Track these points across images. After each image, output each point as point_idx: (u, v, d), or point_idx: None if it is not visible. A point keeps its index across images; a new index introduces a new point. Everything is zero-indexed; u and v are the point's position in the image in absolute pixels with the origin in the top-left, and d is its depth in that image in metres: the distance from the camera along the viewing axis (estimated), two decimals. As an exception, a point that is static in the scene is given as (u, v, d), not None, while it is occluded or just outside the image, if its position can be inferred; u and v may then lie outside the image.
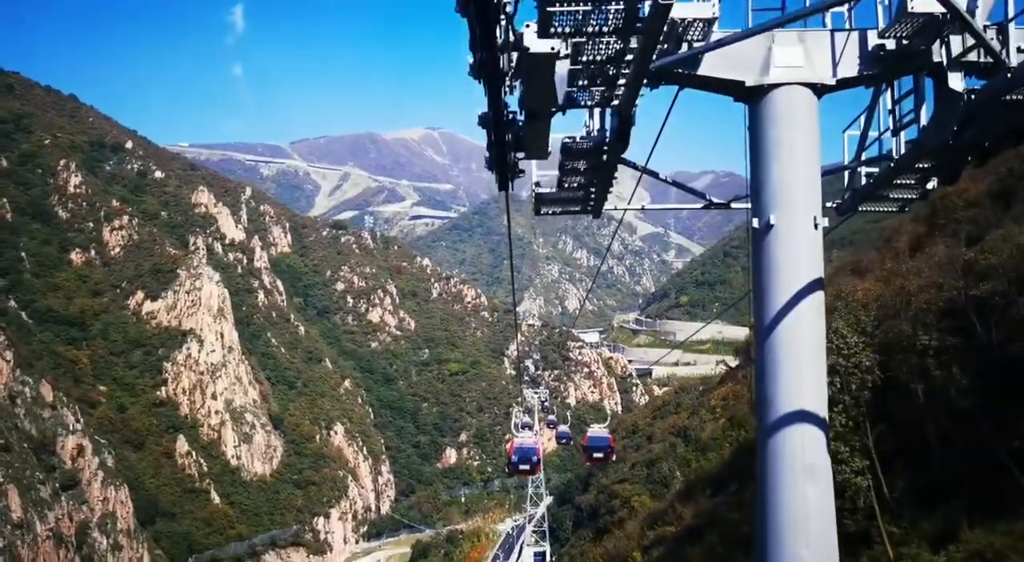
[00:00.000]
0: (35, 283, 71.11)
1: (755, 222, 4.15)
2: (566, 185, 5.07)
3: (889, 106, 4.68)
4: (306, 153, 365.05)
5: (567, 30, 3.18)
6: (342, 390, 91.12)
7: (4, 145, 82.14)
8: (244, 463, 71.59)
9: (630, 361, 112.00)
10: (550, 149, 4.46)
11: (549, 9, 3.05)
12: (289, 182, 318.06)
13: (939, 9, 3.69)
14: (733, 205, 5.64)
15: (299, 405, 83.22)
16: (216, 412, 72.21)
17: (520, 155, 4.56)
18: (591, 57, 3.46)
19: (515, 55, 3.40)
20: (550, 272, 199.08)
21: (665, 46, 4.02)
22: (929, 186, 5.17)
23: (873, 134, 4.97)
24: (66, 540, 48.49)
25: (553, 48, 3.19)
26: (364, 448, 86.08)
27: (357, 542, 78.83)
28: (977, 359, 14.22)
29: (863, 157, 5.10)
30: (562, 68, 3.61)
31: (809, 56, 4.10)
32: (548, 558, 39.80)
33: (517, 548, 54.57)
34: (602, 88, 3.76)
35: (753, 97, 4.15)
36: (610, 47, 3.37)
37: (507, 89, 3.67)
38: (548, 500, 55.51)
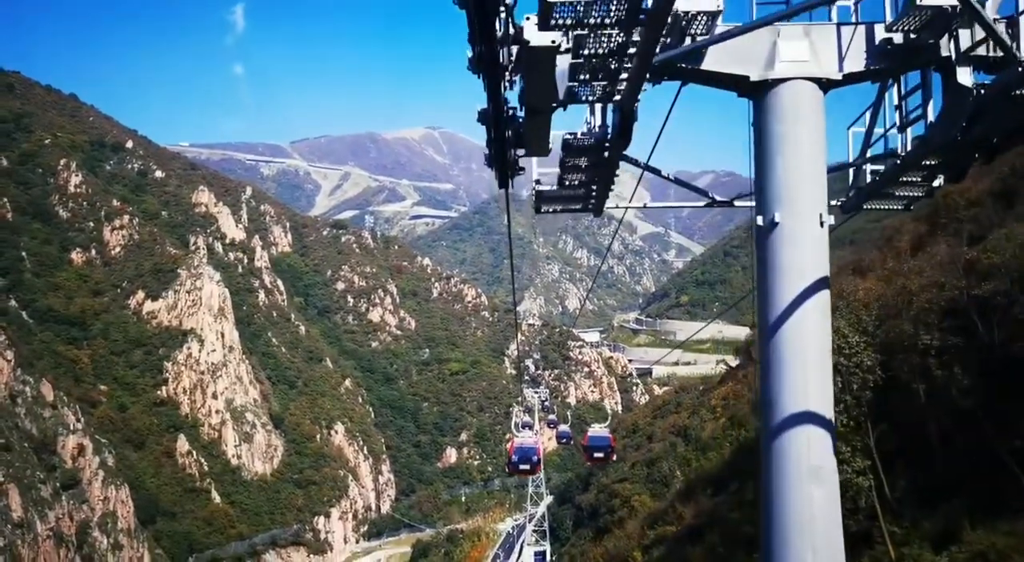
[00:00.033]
0: (36, 283, 71.11)
1: (759, 220, 4.08)
2: (567, 183, 4.99)
3: (896, 102, 4.60)
4: (306, 153, 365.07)
5: (568, 22, 3.11)
6: (343, 390, 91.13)
7: (4, 144, 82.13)
8: (245, 462, 71.60)
9: (630, 361, 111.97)
10: (551, 146, 4.38)
11: (550, 0, 2.98)
12: (289, 182, 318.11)
13: (948, 2, 3.62)
14: (736, 203, 5.57)
15: (300, 405, 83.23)
16: (217, 411, 72.22)
17: (520, 152, 4.48)
18: (593, 50, 3.38)
19: (515, 49, 3.33)
20: (550, 272, 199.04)
21: (668, 40, 3.95)
22: (935, 183, 5.09)
23: (878, 131, 4.89)
24: (66, 539, 48.49)
25: (554, 41, 3.11)
26: (364, 447, 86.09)
27: (357, 541, 78.84)
28: (979, 359, 14.16)
29: (868, 154, 5.03)
30: (563, 63, 3.55)
31: (815, 50, 4.02)
32: (548, 557, 39.76)
33: (517, 547, 54.56)
34: (604, 83, 3.68)
35: (758, 92, 4.08)
36: (612, 40, 3.30)
37: (507, 84, 3.59)
38: (548, 499, 55.49)
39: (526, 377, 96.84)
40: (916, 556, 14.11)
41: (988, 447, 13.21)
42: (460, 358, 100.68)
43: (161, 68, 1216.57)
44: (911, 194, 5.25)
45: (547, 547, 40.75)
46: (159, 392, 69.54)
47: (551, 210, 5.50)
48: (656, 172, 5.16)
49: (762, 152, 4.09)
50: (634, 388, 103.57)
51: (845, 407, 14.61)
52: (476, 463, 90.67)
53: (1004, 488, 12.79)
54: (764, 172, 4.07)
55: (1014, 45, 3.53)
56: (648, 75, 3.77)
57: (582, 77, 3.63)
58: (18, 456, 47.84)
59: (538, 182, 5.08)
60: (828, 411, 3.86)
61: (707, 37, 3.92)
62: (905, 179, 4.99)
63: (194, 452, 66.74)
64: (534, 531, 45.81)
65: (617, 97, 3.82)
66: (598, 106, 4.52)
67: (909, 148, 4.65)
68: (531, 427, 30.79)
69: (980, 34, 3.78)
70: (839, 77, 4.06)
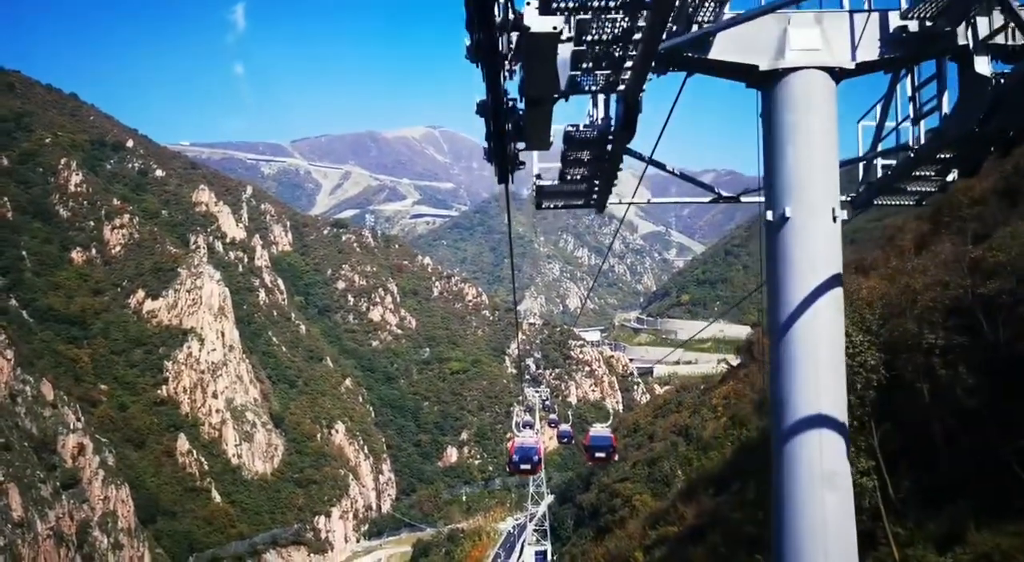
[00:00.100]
0: (36, 282, 71.09)
1: (769, 214, 3.93)
2: (568, 177, 4.84)
3: (909, 93, 4.44)
4: (307, 152, 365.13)
5: (571, 5, 2.97)
6: (343, 389, 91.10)
7: (5, 144, 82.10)
8: (245, 462, 71.57)
9: (631, 360, 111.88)
10: (552, 139, 4.24)
11: None
12: (290, 181, 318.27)
13: None
14: (743, 199, 5.42)
15: (300, 404, 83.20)
16: (217, 411, 72.19)
17: (521, 146, 4.34)
18: (596, 36, 3.24)
19: (515, 36, 3.19)
20: (551, 271, 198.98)
21: (674, 28, 3.81)
22: (949, 178, 4.94)
23: (889, 125, 4.74)
24: (67, 539, 48.46)
25: (555, 27, 2.96)
26: (365, 447, 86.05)
27: (358, 541, 78.83)
28: (984, 358, 14.02)
29: (879, 148, 4.88)
30: (565, 51, 3.41)
31: (827, 38, 3.87)
32: (549, 557, 39.67)
33: (518, 547, 54.49)
34: (607, 71, 3.53)
35: (767, 82, 3.93)
36: (616, 25, 3.16)
37: (507, 74, 3.44)
38: (549, 499, 55.40)
39: (527, 376, 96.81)
40: (920, 557, 13.97)
41: (993, 447, 13.07)
42: (461, 357, 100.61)
43: (161, 67, 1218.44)
44: (924, 189, 5.09)
45: (548, 547, 40.66)
46: (159, 391, 69.50)
47: (552, 206, 5.35)
48: (661, 167, 5.01)
49: (772, 145, 3.94)
50: (635, 387, 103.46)
51: (848, 407, 14.42)
52: (477, 462, 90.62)
53: (1010, 489, 12.65)
54: (774, 165, 3.92)
55: (1036, 32, 3.38)
56: (653, 64, 3.63)
57: (585, 65, 3.49)
58: (18, 455, 47.80)
59: (539, 177, 4.93)
60: (841, 413, 3.72)
61: (714, 24, 3.77)
62: (918, 173, 4.84)
63: (194, 451, 66.70)
64: (535, 530, 45.72)
65: (621, 87, 3.67)
66: (601, 98, 4.38)
67: (923, 141, 4.51)
68: (532, 426, 30.72)
69: (999, 21, 3.64)
70: (852, 66, 3.91)
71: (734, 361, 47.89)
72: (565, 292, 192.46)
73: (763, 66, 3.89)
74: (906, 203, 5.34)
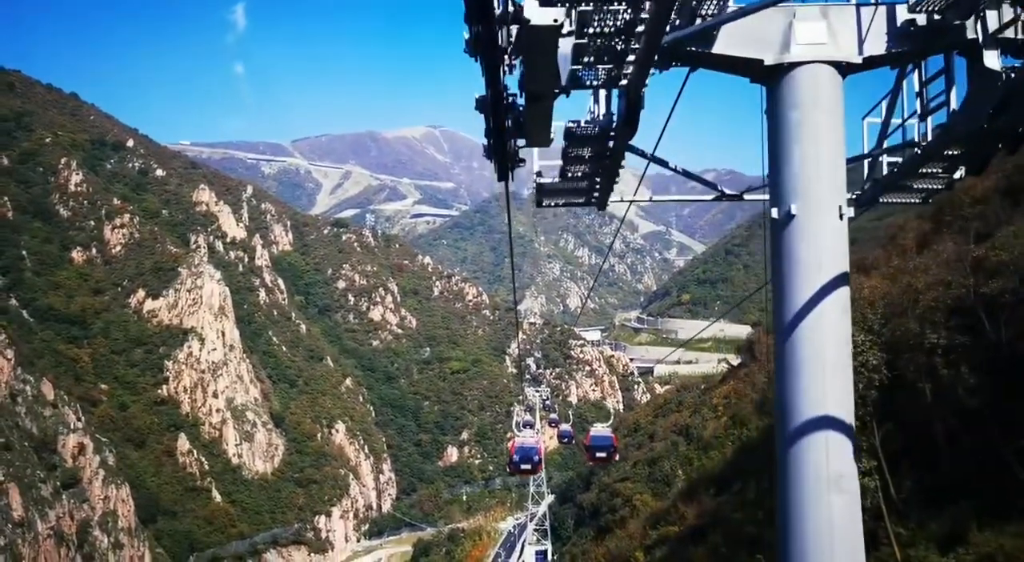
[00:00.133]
0: (36, 281, 71.08)
1: (774, 212, 3.85)
2: (569, 175, 4.76)
3: (916, 88, 4.36)
4: (307, 151, 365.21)
5: None
6: (343, 388, 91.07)
7: (5, 143, 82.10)
8: (245, 461, 71.55)
9: (632, 359, 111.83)
10: (552, 136, 4.17)
11: None
12: (290, 180, 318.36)
13: None
14: (746, 196, 5.34)
15: (300, 403, 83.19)
16: (217, 410, 72.17)
17: (521, 143, 4.27)
18: (598, 29, 3.17)
19: (515, 29, 3.12)
20: (551, 270, 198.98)
21: (678, 22, 3.74)
22: (956, 175, 4.86)
23: (895, 122, 4.66)
24: (67, 539, 48.45)
25: (556, 19, 2.89)
26: (365, 446, 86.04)
27: (359, 540, 78.83)
28: (986, 358, 13.96)
29: (884, 145, 4.80)
30: (566, 46, 3.34)
31: (833, 32, 3.79)
32: (550, 557, 39.61)
33: (519, 546, 54.47)
34: (609, 66, 3.46)
35: (772, 77, 3.85)
36: (619, 17, 3.09)
37: (506, 68, 3.36)
38: (550, 498, 55.35)
39: (527, 376, 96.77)
40: (922, 558, 13.91)
41: (995, 447, 13.01)
42: (461, 357, 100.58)
43: (162, 67, 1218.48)
44: (930, 187, 5.01)
45: (548, 546, 40.60)
46: (160, 391, 69.49)
47: (553, 203, 5.27)
48: (663, 164, 4.93)
49: (777, 141, 3.86)
50: (635, 387, 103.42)
51: (851, 407, 14.35)
52: (477, 462, 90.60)
53: (1012, 489, 12.58)
54: (779, 162, 3.84)
55: (1048, 25, 3.30)
56: (656, 59, 3.55)
57: (586, 59, 3.41)
58: (18, 455, 47.79)
59: (539, 174, 4.85)
60: (848, 414, 3.64)
61: (718, 17, 3.69)
62: (925, 171, 4.76)
63: (195, 451, 66.69)
64: (535, 530, 45.65)
65: (623, 82, 3.59)
66: (602, 94, 4.30)
67: (930, 138, 4.43)
68: (532, 426, 30.65)
69: (1009, 14, 3.56)
70: (859, 61, 3.83)
71: (734, 361, 47.84)
72: (565, 292, 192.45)
73: (768, 60, 3.81)
74: (912, 201, 5.26)
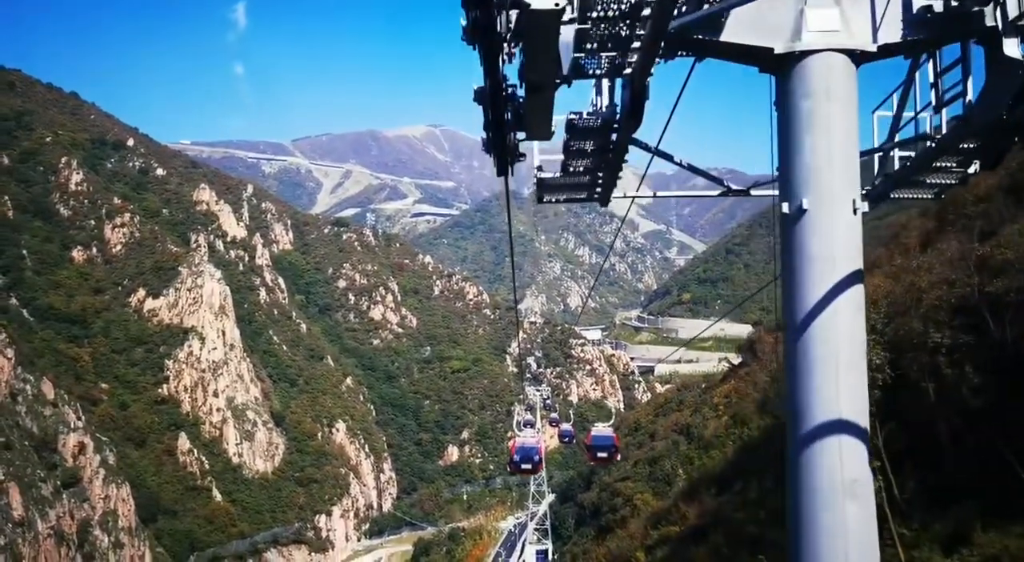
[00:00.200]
0: (36, 281, 71.04)
1: (785, 207, 3.70)
2: (571, 169, 4.62)
3: (931, 79, 4.21)
4: (308, 150, 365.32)
5: None
6: (344, 388, 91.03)
7: (6, 143, 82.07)
8: (246, 461, 71.52)
9: (632, 358, 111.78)
10: (554, 129, 4.03)
11: None
12: (291, 179, 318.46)
13: None
14: (753, 192, 5.20)
15: (301, 403, 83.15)
16: (218, 410, 72.13)
17: (521, 136, 4.13)
18: (602, 13, 3.04)
19: (515, 15, 2.98)
20: (552, 269, 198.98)
21: (684, 7, 3.60)
22: (971, 169, 4.72)
23: (907, 115, 4.51)
24: (67, 538, 48.41)
25: (557, 4, 2.76)
26: (366, 446, 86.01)
27: (359, 540, 78.81)
28: (990, 357, 13.83)
29: (896, 139, 4.66)
30: (568, 34, 3.20)
31: (846, 19, 3.64)
32: (550, 556, 39.53)
33: (519, 546, 54.41)
34: (613, 53, 3.32)
35: (783, 66, 3.70)
36: (623, 1, 2.96)
37: (506, 57, 3.23)
38: (550, 498, 55.29)
39: (528, 375, 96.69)
40: (926, 559, 13.78)
41: (999, 447, 12.88)
42: (461, 356, 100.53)
43: (162, 66, 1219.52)
44: (943, 181, 4.86)
45: (549, 546, 40.52)
46: (160, 390, 69.45)
47: (554, 199, 5.12)
48: (668, 158, 4.79)
49: (788, 133, 3.71)
50: (636, 386, 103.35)
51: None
52: (478, 461, 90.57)
53: (1016, 489, 12.45)
54: (790, 155, 3.70)
55: (1072, 11, 3.16)
56: (662, 47, 3.41)
57: (589, 46, 3.27)
58: (19, 454, 47.74)
59: (540, 168, 4.71)
60: (863, 417, 3.50)
61: (727, 1, 3.55)
62: (939, 164, 4.62)
63: (195, 450, 66.65)
64: (536, 529, 45.58)
65: (628, 70, 3.45)
66: (605, 85, 4.16)
67: (945, 130, 4.28)
68: (533, 425, 30.58)
69: (1030, 0, 3.41)
70: (873, 49, 3.68)
71: (735, 360, 47.71)
72: (566, 291, 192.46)
73: (778, 49, 3.66)
74: (924, 196, 5.12)
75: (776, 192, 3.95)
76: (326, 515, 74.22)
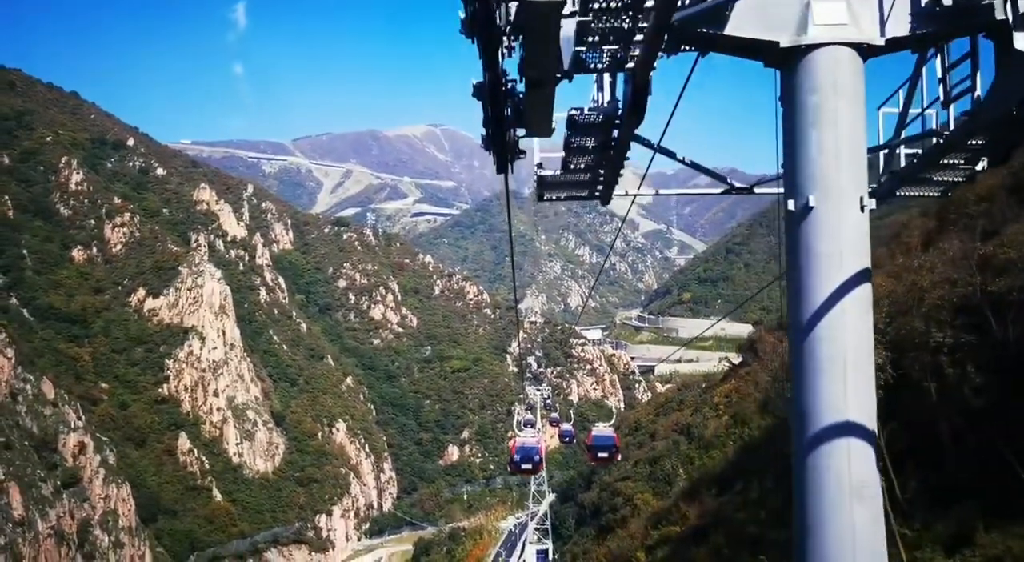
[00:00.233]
0: (36, 280, 71.03)
1: (791, 204, 3.63)
2: (572, 166, 4.55)
3: (939, 74, 4.14)
4: (308, 150, 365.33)
5: None
6: (344, 387, 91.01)
7: (6, 142, 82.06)
8: (246, 460, 71.51)
9: (633, 358, 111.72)
10: (554, 125, 3.96)
11: None
12: (291, 179, 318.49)
13: None
14: (757, 189, 5.12)
15: (301, 402, 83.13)
16: (218, 409, 72.11)
17: (521, 132, 4.07)
18: (604, 4, 2.97)
19: (514, 8, 2.91)
20: (552, 269, 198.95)
21: (687, 0, 3.53)
22: (979, 167, 4.64)
23: (913, 111, 4.44)
24: (67, 538, 48.40)
25: None
26: (366, 445, 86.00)
27: (359, 539, 78.80)
28: (992, 356, 13.78)
29: (903, 135, 4.58)
30: (568, 28, 3.13)
31: (853, 12, 3.57)
32: (551, 556, 39.48)
33: (520, 546, 54.37)
34: (615, 47, 3.25)
35: (788, 61, 3.63)
36: None
37: (505, 51, 3.16)
38: (551, 497, 55.25)
39: (528, 375, 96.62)
40: (928, 559, 13.73)
41: (1001, 447, 12.83)
42: (462, 356, 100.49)
43: (162, 66, 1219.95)
44: (950, 179, 4.78)
45: (549, 545, 40.47)
46: (160, 390, 69.43)
47: (555, 197, 5.05)
48: (671, 155, 4.72)
49: (794, 129, 3.64)
50: (636, 386, 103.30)
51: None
52: (478, 461, 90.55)
53: (1018, 489, 12.39)
54: (796, 151, 3.62)
55: (1085, 4, 3.09)
56: (665, 41, 3.34)
57: (590, 39, 3.20)
58: (19, 454, 47.72)
59: (540, 166, 4.64)
60: (871, 419, 3.43)
61: None
62: (946, 161, 4.54)
63: (195, 450, 66.63)
64: (536, 529, 45.54)
65: (630, 65, 3.38)
66: (607, 81, 4.09)
67: (953, 126, 4.21)
68: (533, 425, 30.54)
69: (1041, -7, 3.34)
70: (881, 43, 3.60)
71: (736, 359, 47.64)
72: (566, 290, 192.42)
73: (784, 43, 3.58)
74: (931, 194, 5.05)
75: (781, 189, 3.88)
76: (326, 515, 74.21)
